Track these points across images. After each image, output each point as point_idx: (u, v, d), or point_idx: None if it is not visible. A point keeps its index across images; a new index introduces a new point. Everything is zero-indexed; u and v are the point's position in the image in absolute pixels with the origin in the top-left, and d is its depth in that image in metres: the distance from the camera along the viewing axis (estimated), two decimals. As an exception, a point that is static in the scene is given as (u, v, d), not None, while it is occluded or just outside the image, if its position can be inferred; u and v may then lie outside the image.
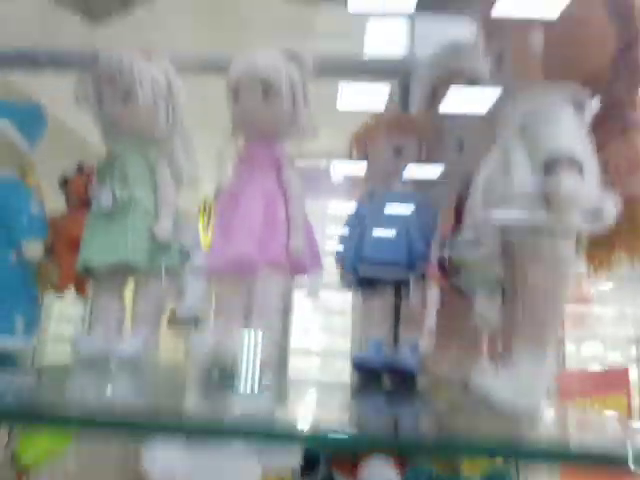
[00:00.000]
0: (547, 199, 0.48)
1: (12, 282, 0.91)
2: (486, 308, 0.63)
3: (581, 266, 0.57)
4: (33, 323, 0.94)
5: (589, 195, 0.48)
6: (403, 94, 1.09)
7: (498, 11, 0.58)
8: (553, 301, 0.50)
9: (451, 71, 0.87)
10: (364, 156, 0.92)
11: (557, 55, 0.53)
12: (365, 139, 0.92)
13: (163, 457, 0.73)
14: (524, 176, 0.50)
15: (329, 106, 1.06)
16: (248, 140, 0.96)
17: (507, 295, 0.58)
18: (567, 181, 0.47)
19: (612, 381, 1.82)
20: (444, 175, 0.82)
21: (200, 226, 1.11)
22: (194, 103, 1.04)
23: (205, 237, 1.01)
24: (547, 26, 0.54)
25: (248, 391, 0.74)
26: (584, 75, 0.53)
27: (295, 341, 2.57)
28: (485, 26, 0.64)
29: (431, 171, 0.85)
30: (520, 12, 0.56)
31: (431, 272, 0.76)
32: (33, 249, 0.90)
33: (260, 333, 0.82)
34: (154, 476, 0.71)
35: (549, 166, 0.49)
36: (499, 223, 0.52)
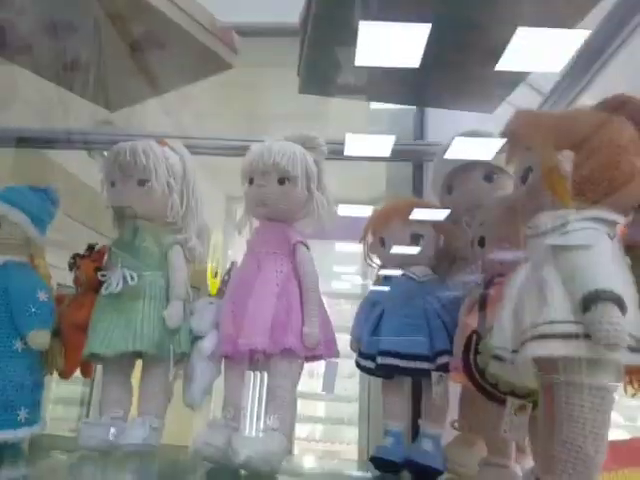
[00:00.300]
0: (588, 334, 0.48)
1: (16, 371, 0.87)
2: (516, 421, 0.61)
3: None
4: (37, 412, 0.90)
5: (631, 325, 0.47)
6: (417, 175, 1.11)
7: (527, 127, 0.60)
8: (595, 433, 0.48)
9: (466, 162, 0.89)
10: (380, 241, 0.92)
11: (590, 177, 0.54)
12: (382, 225, 0.92)
13: None
14: (562, 311, 0.50)
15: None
16: (262, 221, 0.97)
17: (541, 412, 0.56)
18: (608, 319, 0.46)
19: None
20: (464, 267, 0.82)
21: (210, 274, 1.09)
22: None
23: (212, 282, 0.99)
24: (579, 146, 0.55)
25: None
26: (618, 197, 0.53)
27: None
28: (513, 137, 0.65)
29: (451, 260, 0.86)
30: (552, 131, 0.58)
31: (454, 370, 0.74)
32: (39, 339, 0.87)
33: (274, 434, 0.79)
34: None
35: (588, 303, 0.48)
36: (536, 355, 0.51)
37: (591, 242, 0.52)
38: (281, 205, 0.92)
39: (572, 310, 0.50)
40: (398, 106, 1.19)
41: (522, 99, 0.98)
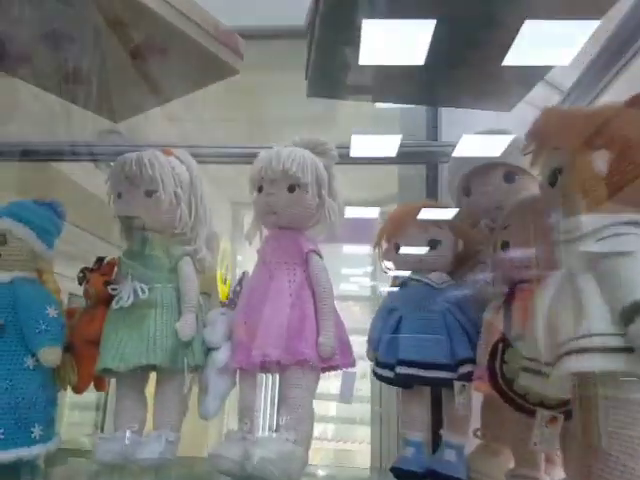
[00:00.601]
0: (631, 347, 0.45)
1: (29, 388, 0.85)
2: (546, 433, 0.59)
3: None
4: (51, 428, 0.89)
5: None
6: (431, 177, 1.07)
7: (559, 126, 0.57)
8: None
9: (485, 163, 0.86)
10: (394, 247, 0.89)
11: (626, 177, 0.51)
12: (397, 230, 0.89)
13: None
14: (602, 323, 0.47)
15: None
16: (272, 230, 0.94)
17: (578, 426, 0.53)
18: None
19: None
20: (491, 272, 0.79)
21: (219, 280, 1.07)
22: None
23: (222, 289, 0.97)
24: (613, 144, 0.51)
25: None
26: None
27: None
28: (540, 137, 0.62)
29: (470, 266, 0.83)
30: (584, 129, 0.54)
31: (479, 379, 0.72)
32: (51, 356, 0.86)
33: (292, 447, 0.77)
34: None
35: (631, 314, 0.45)
36: (574, 370, 0.48)
37: (631, 248, 0.49)
38: (292, 213, 0.90)
39: (612, 322, 0.48)
40: (407, 107, 1.16)
41: (541, 97, 0.94)
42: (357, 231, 1.17)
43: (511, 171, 0.86)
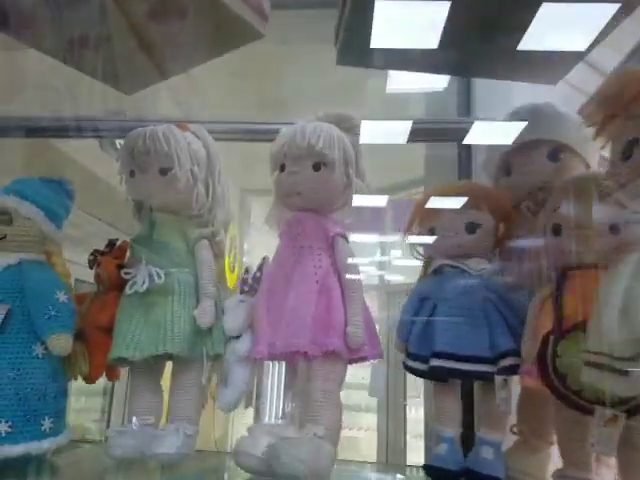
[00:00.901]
0: None
1: (38, 379, 0.80)
2: (605, 433, 0.53)
3: None
4: (61, 420, 0.84)
5: None
6: (464, 156, 1.00)
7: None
8: None
9: (528, 140, 0.79)
10: (429, 232, 0.83)
11: None
12: (432, 213, 0.82)
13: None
14: None
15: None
16: (295, 212, 0.88)
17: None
18: None
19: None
20: (535, 258, 0.73)
21: (227, 267, 1.02)
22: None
23: (230, 276, 0.91)
24: None
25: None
26: None
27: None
28: (610, 104, 0.55)
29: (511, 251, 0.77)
30: None
31: (527, 375, 0.66)
32: (61, 344, 0.80)
33: (321, 443, 0.72)
34: None
35: None
36: None
37: None
38: (317, 194, 0.84)
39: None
40: (434, 88, 1.09)
41: (578, 77, 0.88)
42: (364, 219, 1.10)
43: (556, 148, 0.80)
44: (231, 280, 0.91)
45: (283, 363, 0.86)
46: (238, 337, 0.87)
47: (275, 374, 0.89)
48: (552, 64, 0.79)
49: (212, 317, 0.84)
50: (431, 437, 1.08)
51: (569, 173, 0.77)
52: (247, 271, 0.96)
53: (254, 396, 0.89)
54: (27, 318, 0.81)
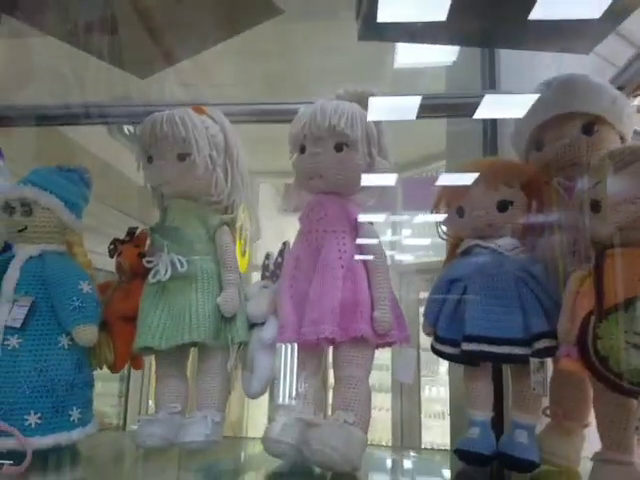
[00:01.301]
0: None
1: (65, 370, 0.80)
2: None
3: None
4: (89, 410, 0.84)
5: None
6: (490, 130, 0.97)
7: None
8: None
9: (561, 113, 0.75)
10: (458, 211, 0.80)
11: None
12: (461, 191, 0.79)
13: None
14: None
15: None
16: (316, 195, 0.86)
17: None
18: None
19: None
20: (569, 236, 0.70)
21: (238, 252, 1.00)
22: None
23: (242, 262, 0.90)
24: None
25: None
26: None
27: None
28: None
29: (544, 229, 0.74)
30: None
31: (566, 357, 0.64)
32: (87, 335, 0.80)
33: (351, 429, 0.71)
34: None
35: None
36: None
37: None
38: (339, 175, 0.81)
39: None
40: (455, 62, 1.04)
41: (608, 48, 0.83)
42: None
43: (591, 121, 0.76)
44: (242, 264, 0.90)
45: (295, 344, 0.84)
46: (262, 324, 0.87)
47: (288, 355, 0.88)
48: (585, 33, 0.74)
49: (236, 305, 0.83)
50: (456, 420, 1.08)
51: (604, 147, 0.73)
52: (268, 257, 0.95)
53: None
54: (51, 309, 0.81)
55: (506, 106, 0.93)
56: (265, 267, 0.94)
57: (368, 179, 0.83)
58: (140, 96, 1.05)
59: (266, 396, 0.90)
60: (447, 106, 0.97)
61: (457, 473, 0.81)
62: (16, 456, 0.70)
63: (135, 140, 0.90)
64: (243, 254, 1.07)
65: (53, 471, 0.77)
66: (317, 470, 0.73)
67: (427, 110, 0.95)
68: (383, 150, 0.85)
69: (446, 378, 1.13)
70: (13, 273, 0.80)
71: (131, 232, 0.92)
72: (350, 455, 0.69)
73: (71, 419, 0.79)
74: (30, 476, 0.70)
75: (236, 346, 0.85)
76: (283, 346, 0.83)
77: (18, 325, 0.77)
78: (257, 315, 0.86)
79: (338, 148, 0.80)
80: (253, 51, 1.31)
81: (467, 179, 0.77)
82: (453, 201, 0.81)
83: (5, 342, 0.77)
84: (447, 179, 0.84)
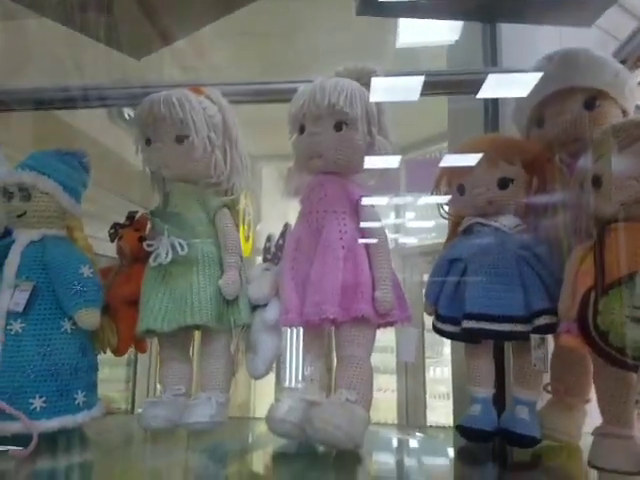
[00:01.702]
0: None
1: (69, 354, 0.81)
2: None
3: None
4: (93, 394, 0.85)
5: None
6: (490, 108, 0.95)
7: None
8: None
9: (562, 87, 0.74)
10: (458, 189, 0.80)
11: None
12: (461, 169, 0.78)
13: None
14: None
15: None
16: (316, 175, 0.85)
17: None
18: None
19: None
20: (570, 213, 0.70)
21: (242, 236, 0.99)
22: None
23: (245, 246, 0.90)
24: None
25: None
26: None
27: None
28: None
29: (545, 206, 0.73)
30: None
31: (566, 333, 0.64)
32: (89, 319, 0.81)
33: (354, 407, 0.71)
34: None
35: None
36: None
37: None
38: (339, 155, 0.80)
39: None
40: (456, 41, 1.02)
41: (611, 21, 0.82)
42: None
43: (593, 96, 0.75)
44: (246, 249, 0.89)
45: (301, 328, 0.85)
46: (264, 306, 0.87)
47: (294, 338, 0.89)
48: (586, 6, 0.73)
49: (237, 287, 0.83)
50: (458, 398, 1.09)
51: (606, 122, 0.72)
52: (269, 239, 0.95)
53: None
54: (53, 294, 0.81)
55: (509, 85, 0.91)
56: (266, 249, 0.94)
57: (370, 161, 0.83)
58: (138, 79, 1.04)
59: (272, 378, 0.90)
60: (449, 83, 0.95)
61: (459, 449, 0.82)
62: (22, 440, 0.71)
63: (133, 123, 0.89)
64: (247, 239, 1.07)
65: (59, 453, 0.79)
66: (321, 449, 0.74)
67: (429, 88, 0.93)
68: (383, 129, 0.84)
69: (450, 359, 1.14)
70: (14, 258, 0.80)
71: (131, 216, 0.92)
72: (353, 433, 0.69)
73: (76, 402, 0.80)
74: (37, 459, 0.71)
75: (239, 328, 0.86)
76: (288, 330, 0.84)
77: (20, 310, 0.77)
78: (259, 297, 0.86)
79: (338, 127, 0.79)
80: (251, 31, 1.29)
81: (470, 159, 0.76)
82: (454, 179, 0.80)
83: (8, 327, 0.78)
84: (451, 160, 0.83)
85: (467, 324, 0.74)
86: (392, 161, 0.86)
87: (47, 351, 0.79)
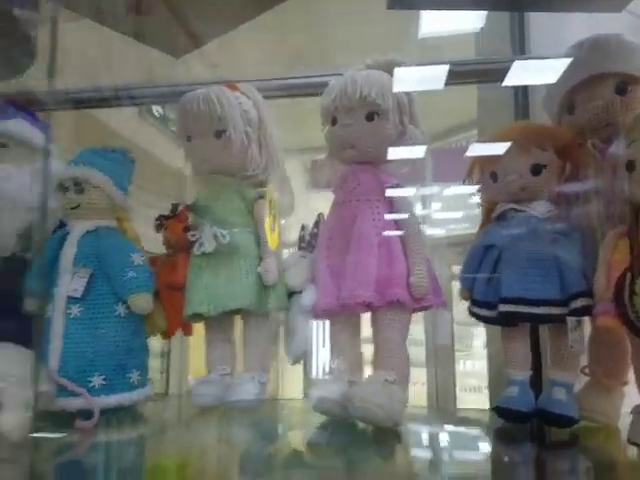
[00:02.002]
0: None
1: (123, 336, 0.87)
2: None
3: None
4: (146, 374, 0.91)
5: None
6: (520, 96, 0.96)
7: None
8: None
9: (593, 73, 0.75)
10: (491, 176, 0.81)
11: None
12: (494, 157, 0.79)
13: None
14: None
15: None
16: (349, 165, 0.88)
17: None
18: None
19: None
20: (603, 198, 0.71)
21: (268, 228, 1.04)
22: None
23: (271, 239, 0.94)
24: None
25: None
26: None
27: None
28: None
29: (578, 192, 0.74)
30: None
31: (604, 315, 0.65)
32: (142, 303, 0.86)
33: (392, 387, 0.74)
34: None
35: None
36: None
37: None
38: (371, 145, 0.83)
39: None
40: (484, 28, 1.03)
41: None
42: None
43: (624, 81, 0.75)
44: (272, 241, 0.94)
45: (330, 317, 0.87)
46: (300, 292, 0.91)
47: (320, 331, 0.93)
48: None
49: (276, 274, 0.87)
50: (494, 382, 1.10)
51: (638, 106, 0.73)
52: (303, 228, 0.98)
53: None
54: (107, 281, 0.87)
55: (536, 72, 0.92)
56: (301, 238, 0.98)
57: (398, 150, 0.85)
58: (167, 77, 1.08)
59: (300, 370, 0.94)
60: (477, 72, 0.96)
61: (496, 430, 0.84)
62: (84, 414, 0.77)
63: (171, 122, 0.94)
64: (272, 230, 1.11)
65: (116, 428, 0.85)
66: (360, 425, 0.77)
67: (457, 77, 0.95)
68: (414, 118, 0.86)
69: (481, 352, 1.15)
70: (71, 247, 0.86)
71: (174, 208, 0.97)
72: (392, 411, 0.72)
73: (131, 381, 0.86)
74: (99, 433, 0.78)
75: (277, 313, 0.90)
76: (315, 323, 0.87)
77: (79, 295, 0.83)
78: (296, 283, 0.90)
79: (369, 118, 0.82)
80: (279, 25, 1.31)
81: (502, 147, 0.78)
82: (486, 167, 0.81)
83: (67, 311, 0.84)
84: (482, 148, 0.84)
85: (504, 307, 0.76)
86: (424, 150, 0.88)
87: (103, 333, 0.85)
